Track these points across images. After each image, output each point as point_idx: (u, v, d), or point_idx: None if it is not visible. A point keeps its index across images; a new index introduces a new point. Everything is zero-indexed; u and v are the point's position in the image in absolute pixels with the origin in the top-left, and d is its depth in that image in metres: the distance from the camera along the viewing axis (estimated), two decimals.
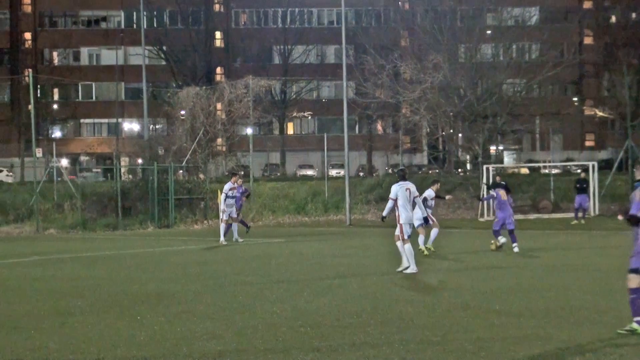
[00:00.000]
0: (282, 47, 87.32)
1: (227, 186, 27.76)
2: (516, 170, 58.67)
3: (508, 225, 22.67)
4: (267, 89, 55.24)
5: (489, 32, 55.19)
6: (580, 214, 36.55)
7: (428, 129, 52.08)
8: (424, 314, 12.32)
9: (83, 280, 17.76)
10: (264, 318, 12.18)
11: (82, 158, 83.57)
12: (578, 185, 37.18)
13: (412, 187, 18.29)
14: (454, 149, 56.67)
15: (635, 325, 10.57)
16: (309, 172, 76.50)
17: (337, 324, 11.57)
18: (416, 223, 22.93)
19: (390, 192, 18.35)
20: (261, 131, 78.95)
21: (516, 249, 22.26)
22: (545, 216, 41.17)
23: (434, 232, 22.91)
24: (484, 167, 43.26)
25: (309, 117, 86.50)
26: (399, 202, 17.93)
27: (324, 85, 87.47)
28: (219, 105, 49.09)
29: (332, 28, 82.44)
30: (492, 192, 24.70)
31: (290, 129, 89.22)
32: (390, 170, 68.28)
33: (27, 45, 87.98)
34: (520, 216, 38.18)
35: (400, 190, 18.00)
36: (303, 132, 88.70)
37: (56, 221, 40.01)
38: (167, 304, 13.85)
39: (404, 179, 18.32)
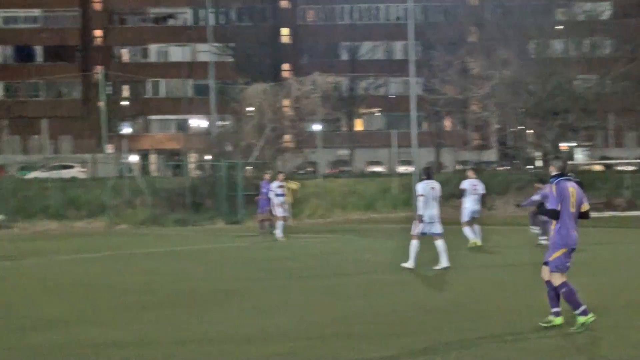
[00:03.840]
0: (349, 43, 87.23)
1: (274, 184, 28.53)
2: (588, 167, 57.60)
3: None
4: (334, 85, 55.08)
5: (559, 27, 54.32)
6: None
7: (498, 125, 51.40)
8: (493, 311, 12.07)
9: (154, 275, 17.89)
10: (334, 314, 12.08)
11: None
12: None
13: (437, 185, 18.33)
14: (523, 145, 55.89)
15: (551, 317, 10.42)
16: (378, 169, 76.26)
17: (410, 321, 11.41)
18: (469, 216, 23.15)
19: (417, 190, 18.29)
20: (329, 127, 78.86)
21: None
22: (620, 214, 40.31)
23: (477, 228, 23.35)
24: None
25: (377, 114, 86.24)
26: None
27: (391, 82, 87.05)
28: (286, 102, 49.15)
29: (400, 24, 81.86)
30: (532, 198, 24.73)
31: (358, 126, 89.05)
32: (459, 167, 67.66)
33: (97, 43, 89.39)
34: (595, 214, 37.44)
35: (426, 188, 17.90)
36: (371, 129, 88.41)
37: (127, 217, 40.44)
38: (236, 300, 13.84)
39: (429, 177, 18.27)
